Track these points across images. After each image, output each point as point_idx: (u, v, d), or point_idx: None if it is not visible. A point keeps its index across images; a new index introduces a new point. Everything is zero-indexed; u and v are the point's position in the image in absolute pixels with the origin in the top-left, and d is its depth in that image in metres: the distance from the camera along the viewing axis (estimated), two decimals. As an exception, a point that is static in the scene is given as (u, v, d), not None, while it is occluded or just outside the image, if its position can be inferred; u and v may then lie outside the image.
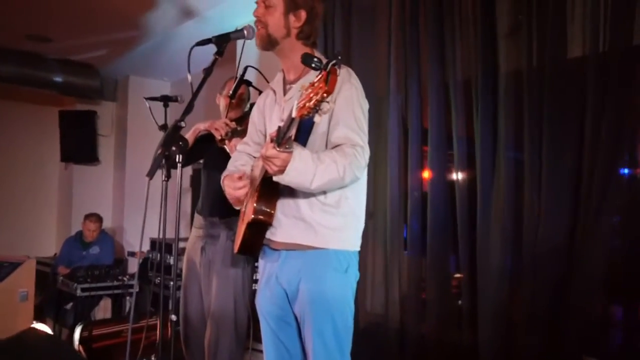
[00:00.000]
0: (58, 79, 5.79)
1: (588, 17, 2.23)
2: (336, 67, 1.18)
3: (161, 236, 2.04)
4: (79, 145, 6.34)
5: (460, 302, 2.90)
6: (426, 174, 3.03)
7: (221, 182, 1.86)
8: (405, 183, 3.10)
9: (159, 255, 4.75)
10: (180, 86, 6.34)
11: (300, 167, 1.49)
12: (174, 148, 1.55)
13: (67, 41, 5.28)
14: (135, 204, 6.20)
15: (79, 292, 4.41)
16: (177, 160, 1.57)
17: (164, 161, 1.72)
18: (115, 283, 4.60)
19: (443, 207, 2.89)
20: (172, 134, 1.55)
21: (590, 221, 2.20)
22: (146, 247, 5.89)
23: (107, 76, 6.34)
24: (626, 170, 2.29)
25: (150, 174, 1.49)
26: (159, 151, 1.52)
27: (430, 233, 2.90)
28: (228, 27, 4.60)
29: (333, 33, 3.51)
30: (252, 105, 2.70)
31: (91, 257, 5.17)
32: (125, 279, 4.68)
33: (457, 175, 2.79)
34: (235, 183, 1.76)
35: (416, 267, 3.03)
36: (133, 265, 5.99)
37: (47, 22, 4.82)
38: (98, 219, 5.35)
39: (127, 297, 4.79)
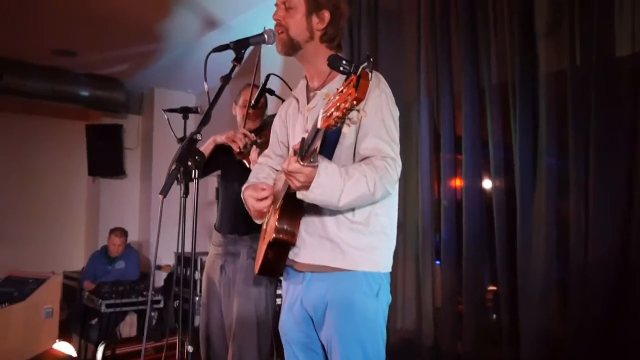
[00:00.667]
0: (84, 93, 5.83)
1: (638, 11, 2.04)
2: (367, 70, 1.04)
3: (183, 251, 1.95)
4: (106, 158, 6.37)
5: (495, 316, 2.72)
6: (459, 182, 2.88)
7: (242, 193, 1.73)
8: (437, 191, 2.97)
9: (184, 270, 4.68)
10: (205, 97, 6.30)
11: (327, 182, 1.36)
12: (189, 163, 1.42)
13: (92, 55, 5.32)
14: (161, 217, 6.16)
15: (103, 308, 4.35)
16: (193, 175, 1.45)
17: (180, 176, 1.60)
18: (140, 299, 4.53)
19: (479, 216, 2.73)
20: (188, 148, 1.43)
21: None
22: (171, 261, 5.86)
23: (132, 89, 6.36)
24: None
25: (164, 192, 1.37)
26: (174, 166, 1.40)
27: (465, 243, 2.74)
28: (254, 38, 4.57)
29: (359, 37, 3.39)
30: (269, 116, 2.58)
31: (116, 272, 5.12)
32: (150, 294, 4.59)
33: (494, 183, 2.63)
34: (258, 193, 1.64)
35: (450, 279, 2.86)
36: (159, 279, 5.96)
37: (72, 37, 4.85)
38: (123, 233, 5.31)
39: (153, 313, 4.72)
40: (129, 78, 6.01)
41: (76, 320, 4.86)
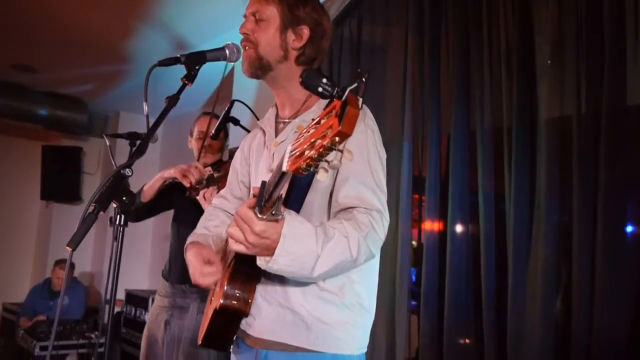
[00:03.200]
0: (43, 112, 5.50)
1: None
2: (358, 95, 0.73)
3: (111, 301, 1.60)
4: (62, 183, 6.00)
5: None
6: (440, 227, 2.64)
7: (184, 250, 1.39)
8: (418, 236, 2.76)
9: (133, 309, 4.28)
10: (173, 124, 6.00)
11: (297, 248, 1.03)
12: (114, 205, 1.08)
13: (53, 73, 5.04)
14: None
15: (37, 351, 3.88)
16: (117, 222, 1.10)
17: (114, 218, 1.26)
18: (81, 341, 4.05)
19: (463, 267, 2.46)
20: (112, 186, 1.09)
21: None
22: (123, 296, 5.40)
23: (96, 111, 6.05)
24: None
25: (73, 244, 1.01)
26: (90, 209, 1.05)
27: (447, 294, 2.45)
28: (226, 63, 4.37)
29: (339, 72, 3.15)
30: (232, 148, 2.29)
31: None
32: (93, 336, 4.13)
33: (483, 233, 2.33)
34: (202, 268, 1.28)
35: (429, 329, 2.57)
36: (106, 315, 5.48)
37: (33, 52, 4.58)
38: (70, 266, 4.84)
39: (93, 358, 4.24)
40: (93, 99, 5.71)
41: (9, 360, 4.39)
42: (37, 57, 4.65)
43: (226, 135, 2.36)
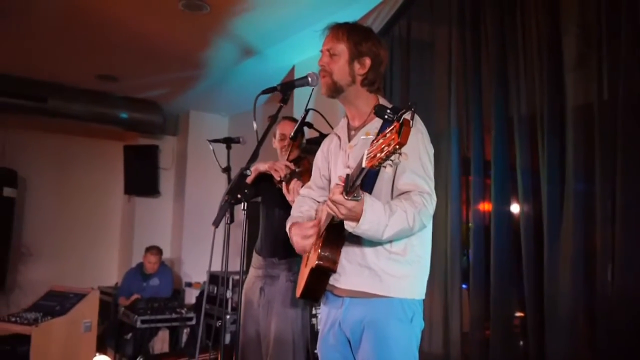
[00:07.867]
0: (124, 115, 6.05)
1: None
2: (409, 117, 1.17)
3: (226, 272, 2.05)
4: (141, 178, 6.58)
5: (522, 343, 2.74)
6: (488, 207, 2.94)
7: (287, 229, 1.87)
8: (465, 215, 3.04)
9: (215, 288, 4.83)
10: (237, 121, 6.50)
11: (374, 218, 1.49)
12: (239, 196, 1.56)
13: (133, 80, 5.54)
14: (193, 236, 6.32)
15: (138, 324, 4.51)
16: (242, 207, 1.58)
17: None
18: (174, 316, 4.68)
19: (506, 241, 2.78)
20: (238, 182, 1.58)
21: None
22: (202, 278, 6.00)
23: (169, 112, 6.55)
24: None
25: (216, 223, 1.51)
26: (225, 199, 1.54)
27: (493, 268, 2.77)
28: (286, 65, 4.74)
29: (391, 67, 3.49)
30: (306, 142, 2.73)
31: (151, 289, 5.28)
32: (182, 311, 4.75)
33: (522, 209, 2.67)
34: (304, 231, 1.75)
35: (478, 304, 2.90)
36: (190, 296, 6.12)
37: (116, 63, 5.08)
38: (158, 251, 5.49)
39: (185, 330, 4.85)
40: (166, 101, 6.21)
41: (111, 334, 5.02)
42: (118, 67, 5.18)
43: (302, 136, 2.81)
